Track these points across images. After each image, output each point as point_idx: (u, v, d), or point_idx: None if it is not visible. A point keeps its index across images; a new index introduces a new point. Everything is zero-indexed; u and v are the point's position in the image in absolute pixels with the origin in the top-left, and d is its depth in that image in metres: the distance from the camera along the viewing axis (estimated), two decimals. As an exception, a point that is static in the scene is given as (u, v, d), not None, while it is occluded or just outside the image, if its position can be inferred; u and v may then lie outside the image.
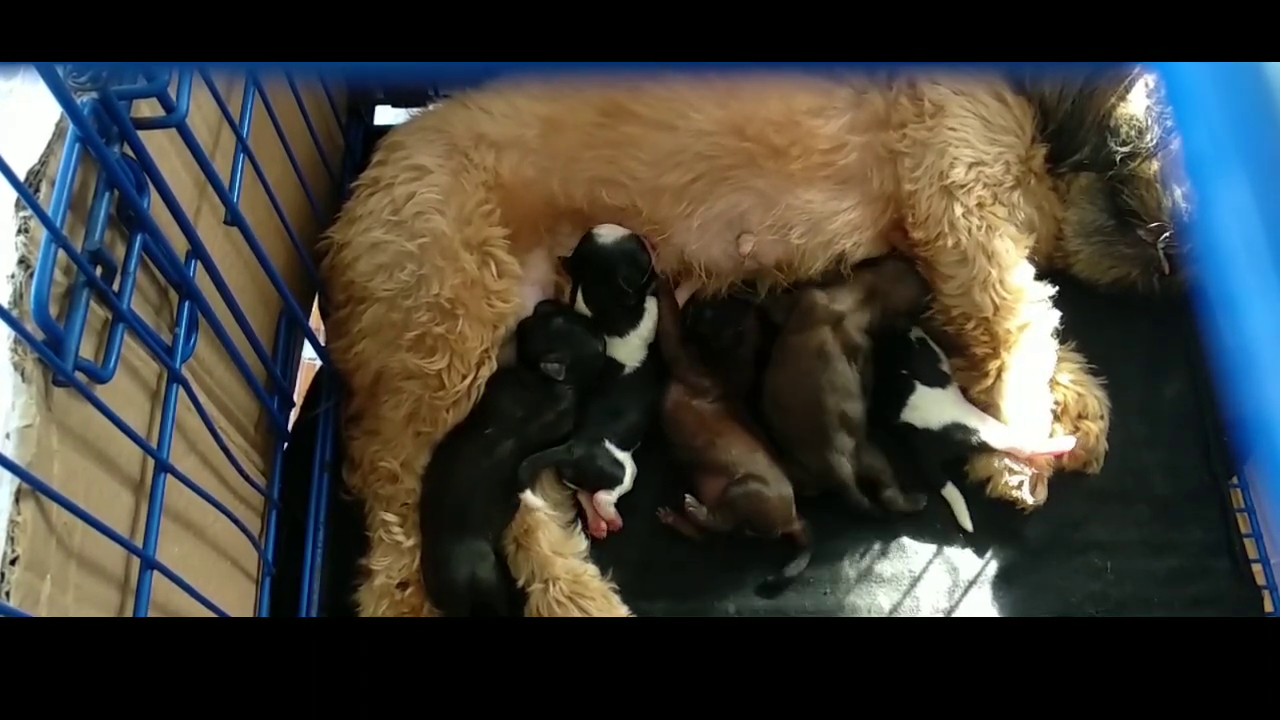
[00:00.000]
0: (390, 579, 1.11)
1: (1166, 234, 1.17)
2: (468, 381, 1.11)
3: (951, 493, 1.18)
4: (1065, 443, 1.15)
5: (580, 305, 1.21)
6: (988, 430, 1.15)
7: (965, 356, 1.19)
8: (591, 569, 1.13)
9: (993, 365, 1.15)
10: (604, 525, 1.16)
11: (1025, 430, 1.14)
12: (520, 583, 1.12)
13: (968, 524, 1.17)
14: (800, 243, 1.17)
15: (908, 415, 1.18)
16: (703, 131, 1.14)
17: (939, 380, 1.18)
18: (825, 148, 1.15)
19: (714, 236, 1.19)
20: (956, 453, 1.17)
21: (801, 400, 1.15)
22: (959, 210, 1.14)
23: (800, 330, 1.17)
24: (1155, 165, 1.17)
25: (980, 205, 1.14)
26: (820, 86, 1.17)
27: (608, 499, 1.16)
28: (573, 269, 1.22)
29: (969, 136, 1.15)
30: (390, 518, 1.13)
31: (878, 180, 1.17)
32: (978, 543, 1.18)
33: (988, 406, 1.16)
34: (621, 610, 1.11)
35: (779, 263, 1.19)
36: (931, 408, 1.17)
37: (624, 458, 1.17)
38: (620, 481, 1.16)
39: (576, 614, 1.09)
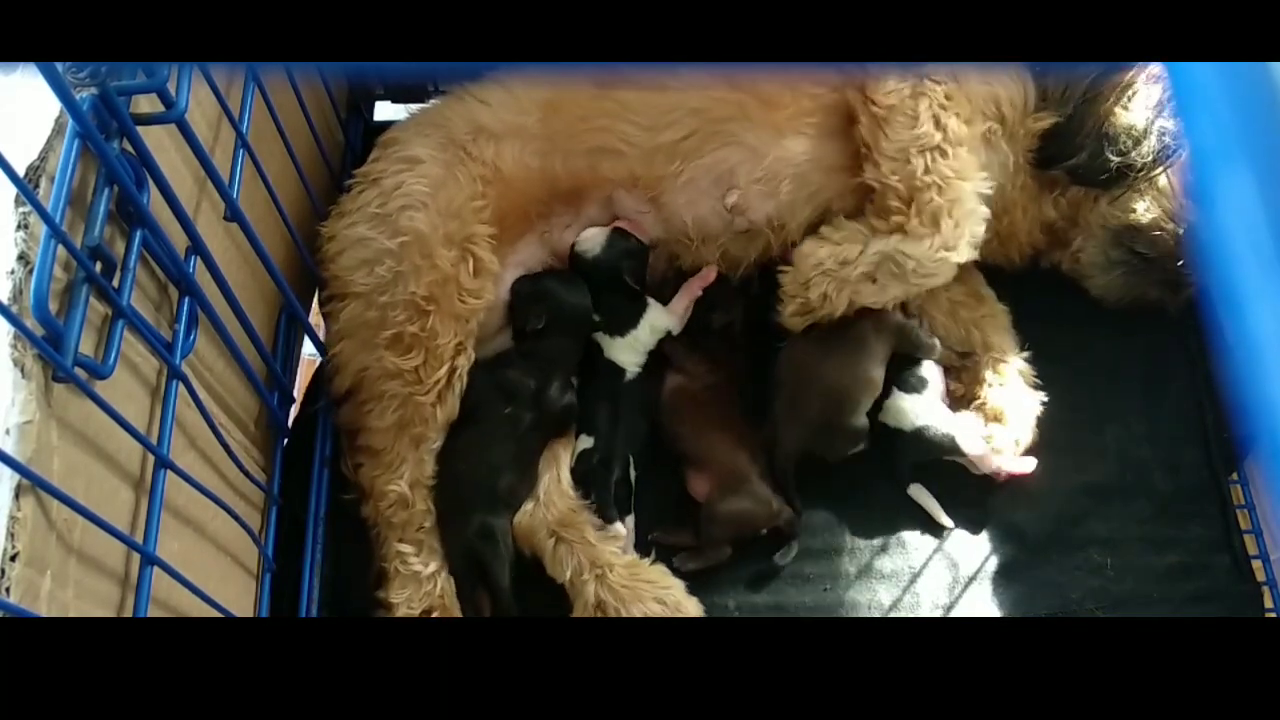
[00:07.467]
0: (411, 610, 1.08)
1: (1183, 263, 1.17)
2: (444, 371, 1.10)
3: (918, 492, 1.19)
4: (1028, 465, 1.17)
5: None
6: (962, 439, 1.16)
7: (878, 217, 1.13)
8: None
9: (898, 220, 1.09)
10: None
11: (998, 447, 1.17)
12: (567, 577, 1.10)
13: (945, 520, 1.18)
14: (789, 197, 1.16)
15: (883, 417, 1.20)
16: (694, 85, 1.13)
17: (915, 386, 1.20)
18: (815, 90, 1.14)
19: (702, 194, 1.17)
20: (929, 454, 1.18)
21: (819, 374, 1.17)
22: (924, 100, 1.08)
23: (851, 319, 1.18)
24: (1160, 205, 1.17)
25: (949, 97, 1.09)
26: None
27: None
28: None
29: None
30: (406, 548, 1.10)
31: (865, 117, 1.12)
32: (978, 539, 1.18)
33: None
34: (679, 586, 1.10)
35: (769, 220, 1.18)
36: (906, 411, 1.18)
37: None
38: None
39: (645, 599, 1.07)
